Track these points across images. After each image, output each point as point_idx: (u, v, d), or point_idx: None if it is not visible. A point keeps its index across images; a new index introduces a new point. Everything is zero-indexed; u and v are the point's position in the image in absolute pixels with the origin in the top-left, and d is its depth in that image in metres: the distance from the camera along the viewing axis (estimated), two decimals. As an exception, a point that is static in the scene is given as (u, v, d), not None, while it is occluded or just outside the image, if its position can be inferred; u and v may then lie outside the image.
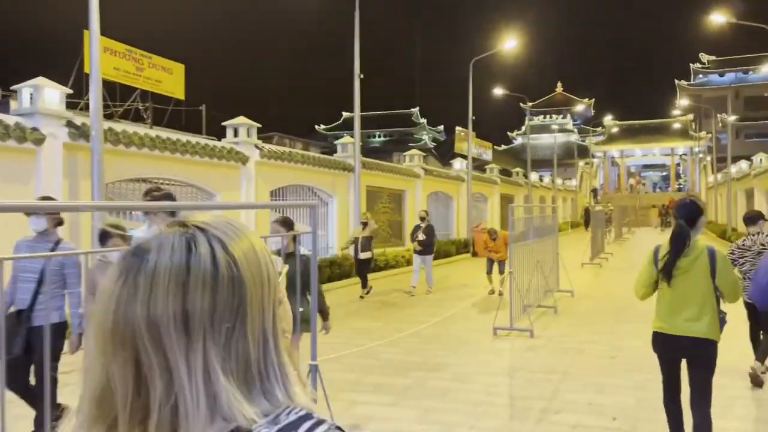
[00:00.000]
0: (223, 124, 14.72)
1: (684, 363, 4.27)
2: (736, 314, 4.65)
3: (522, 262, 10.59)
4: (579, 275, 16.60)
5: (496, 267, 13.56)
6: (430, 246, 13.82)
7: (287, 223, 5.53)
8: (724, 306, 4.28)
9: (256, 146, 14.70)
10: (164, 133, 12.36)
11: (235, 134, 14.59)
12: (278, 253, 5.54)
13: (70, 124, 9.91)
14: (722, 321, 4.16)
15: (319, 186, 17.13)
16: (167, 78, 22.13)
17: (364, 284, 13.47)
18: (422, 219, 14.10)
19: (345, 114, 68.53)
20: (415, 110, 70.97)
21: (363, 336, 9.41)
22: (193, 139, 13.10)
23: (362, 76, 16.90)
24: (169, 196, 4.27)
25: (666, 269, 4.12)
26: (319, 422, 0.76)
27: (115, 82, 20.85)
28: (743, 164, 32.75)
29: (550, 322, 10.54)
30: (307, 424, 0.75)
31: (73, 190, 9.98)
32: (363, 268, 13.59)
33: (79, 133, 9.89)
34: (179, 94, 22.33)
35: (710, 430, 4.09)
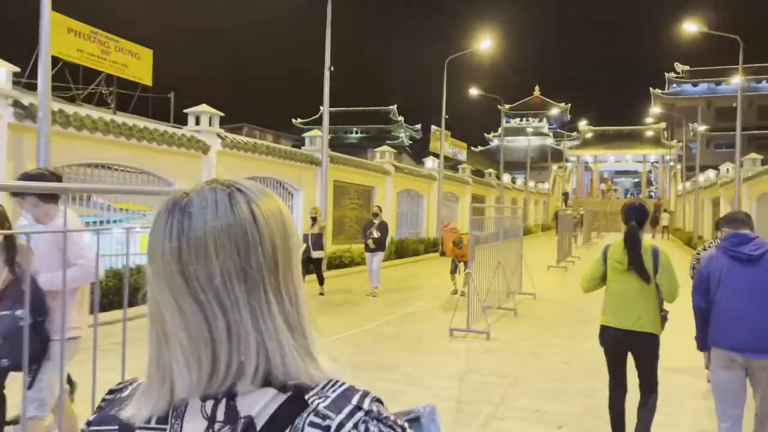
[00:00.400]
0: (185, 111, 14.33)
1: (630, 361, 4.50)
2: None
3: (483, 263, 10.41)
4: (544, 278, 16.52)
5: (461, 266, 13.37)
6: (382, 243, 13.27)
7: None
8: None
9: (219, 135, 14.33)
10: (120, 118, 11.94)
11: (198, 123, 14.20)
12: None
13: (16, 103, 9.47)
14: (663, 318, 4.42)
15: (284, 179, 16.80)
16: (134, 63, 21.56)
17: (322, 281, 13.05)
18: (375, 215, 13.59)
19: (322, 108, 68.02)
20: (393, 108, 70.80)
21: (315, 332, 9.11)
22: (152, 125, 12.68)
23: (332, 68, 16.61)
24: (42, 177, 3.68)
25: (637, 268, 4.32)
26: (365, 393, 0.81)
27: (78, 64, 20.28)
28: (711, 173, 33.10)
29: (509, 324, 10.37)
30: (356, 396, 0.79)
31: (17, 173, 9.54)
32: (317, 268, 13.01)
33: (26, 113, 9.46)
34: (146, 80, 21.77)
35: (653, 414, 4.44)
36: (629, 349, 4.45)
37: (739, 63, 21.38)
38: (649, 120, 60.32)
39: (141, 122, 12.50)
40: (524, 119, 73.59)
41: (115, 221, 12.94)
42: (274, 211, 0.82)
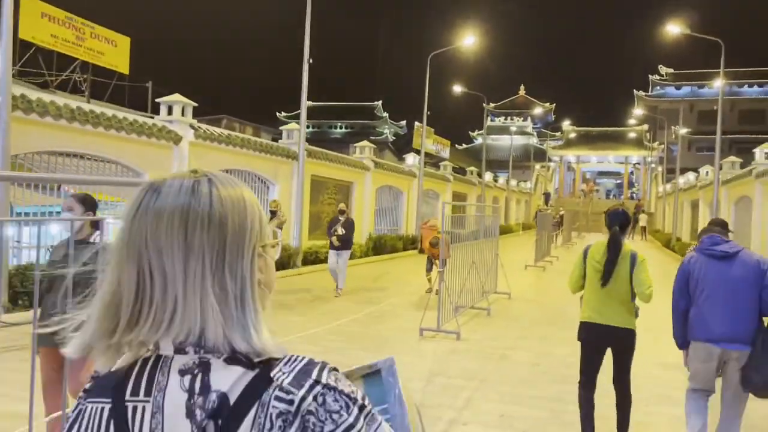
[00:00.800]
0: (157, 100, 13.98)
1: (605, 357, 4.76)
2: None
3: (456, 261, 10.22)
4: (520, 277, 16.39)
5: (437, 264, 13.18)
6: (348, 242, 12.69)
7: (87, 202, 4.10)
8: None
9: (191, 126, 14.00)
10: (89, 106, 11.59)
11: (170, 113, 13.86)
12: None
13: (-26, 87, 9.09)
14: (635, 314, 4.69)
15: (260, 172, 16.50)
16: (111, 50, 21.13)
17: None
18: (342, 212, 12.93)
19: (308, 102, 67.54)
20: (378, 103, 70.42)
21: (278, 330, 8.89)
22: (121, 114, 12.33)
23: (311, 61, 16.30)
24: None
25: (605, 273, 4.59)
26: (323, 366, 0.89)
27: (52, 50, 19.79)
28: (691, 176, 33.25)
29: (481, 324, 10.19)
30: (315, 370, 0.88)
31: (-25, 159, 9.18)
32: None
33: (-15, 97, 9.08)
34: (123, 68, 21.36)
35: (630, 405, 4.67)
36: (608, 345, 4.70)
37: (721, 65, 21.38)
38: (632, 121, 60.54)
39: (110, 110, 12.15)
40: (509, 118, 73.58)
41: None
42: (234, 199, 0.92)
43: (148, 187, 0.92)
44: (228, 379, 0.87)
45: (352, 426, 0.86)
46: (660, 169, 50.68)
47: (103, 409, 0.92)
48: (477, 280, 11.19)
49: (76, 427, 0.93)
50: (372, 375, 1.06)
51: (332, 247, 12.58)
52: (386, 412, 1.04)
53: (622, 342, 4.64)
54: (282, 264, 15.67)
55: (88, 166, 11.70)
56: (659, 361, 7.70)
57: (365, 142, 23.51)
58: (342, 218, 12.71)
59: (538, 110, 72.15)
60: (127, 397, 0.91)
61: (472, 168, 38.25)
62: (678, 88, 60.15)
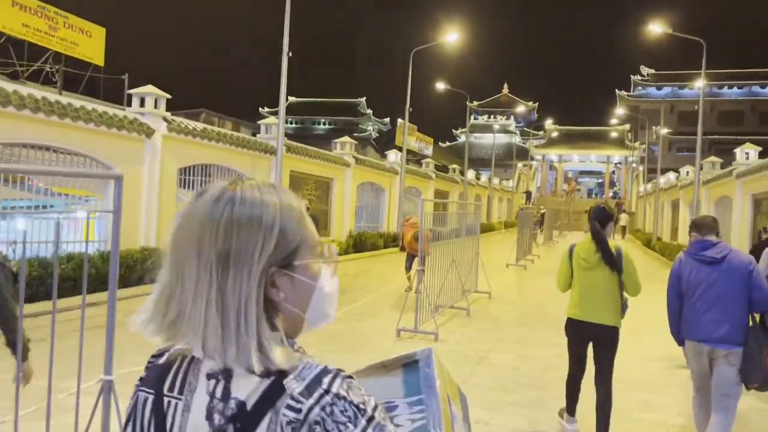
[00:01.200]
0: (129, 91, 13.55)
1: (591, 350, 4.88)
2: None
3: (436, 260, 9.97)
4: (501, 276, 16.20)
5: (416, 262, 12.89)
6: None
7: None
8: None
9: (165, 119, 13.58)
10: (55, 96, 11.15)
11: (143, 105, 13.43)
12: None
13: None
14: (624, 306, 4.79)
15: (236, 167, 16.12)
16: (85, 41, 20.58)
17: None
18: (305, 209, 12.50)
19: (291, 98, 67.00)
20: (362, 100, 70.17)
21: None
22: (90, 105, 11.91)
23: (290, 54, 15.91)
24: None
25: (610, 264, 4.70)
26: (336, 374, 0.90)
27: (24, 40, 19.21)
28: (671, 176, 33.33)
29: (460, 325, 9.94)
30: (326, 379, 0.89)
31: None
32: None
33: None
34: (98, 59, 20.82)
35: (610, 406, 4.71)
36: (592, 340, 4.82)
37: (702, 65, 21.35)
38: (614, 121, 60.71)
39: (78, 101, 11.71)
40: (492, 116, 73.56)
41: (52, 206, 12.20)
42: (248, 215, 0.92)
43: (197, 193, 0.96)
44: (247, 388, 0.90)
45: None
46: (641, 168, 50.89)
47: (147, 399, 0.98)
48: (457, 279, 10.94)
49: (135, 413, 0.99)
50: (410, 365, 1.07)
51: None
52: (420, 402, 1.04)
53: (605, 339, 4.73)
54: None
55: (54, 159, 11.26)
56: (643, 366, 7.53)
57: (346, 138, 23.16)
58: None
59: (521, 109, 72.29)
60: (165, 391, 0.96)
61: (455, 166, 38.08)
62: (659, 88, 60.52)
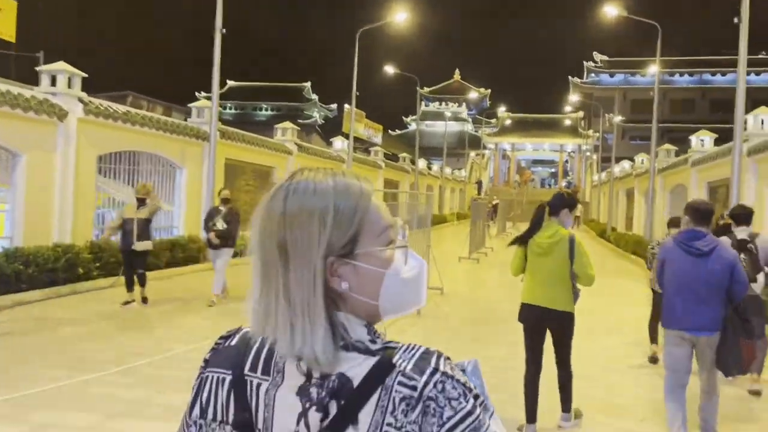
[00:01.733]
0: (37, 69, 12.02)
1: (547, 341, 4.94)
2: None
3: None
4: (454, 271, 15.33)
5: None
6: (232, 238, 9.87)
7: None
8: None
9: (80, 100, 12.10)
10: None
11: (54, 84, 11.93)
12: None
13: None
14: (576, 295, 4.82)
15: (164, 154, 14.69)
16: (-5, 15, 18.71)
17: (144, 282, 9.60)
18: (225, 201, 10.04)
19: (230, 82, 64.54)
20: (307, 85, 68.08)
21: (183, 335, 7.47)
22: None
23: (224, 30, 14.57)
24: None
25: (522, 238, 4.93)
26: (440, 355, 0.91)
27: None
28: (626, 164, 33.05)
29: (410, 325, 8.97)
30: (433, 358, 0.90)
31: None
32: (137, 263, 9.47)
33: None
34: (8, 35, 18.95)
35: (571, 380, 4.89)
36: (546, 325, 4.85)
37: (657, 49, 20.80)
38: (567, 109, 60.63)
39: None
40: (443, 103, 72.77)
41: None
42: (300, 206, 0.90)
43: (278, 186, 0.96)
44: (346, 363, 0.89)
45: (470, 413, 0.88)
46: (595, 157, 50.92)
47: (224, 379, 0.98)
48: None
49: (202, 394, 0.99)
50: None
51: (210, 245, 9.85)
52: None
53: (560, 324, 4.82)
54: (193, 258, 14.01)
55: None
56: (605, 364, 7.16)
57: (287, 123, 21.76)
58: (224, 209, 9.99)
59: (473, 95, 71.80)
60: (246, 371, 0.96)
61: (405, 155, 37.09)
62: (612, 75, 60.70)
